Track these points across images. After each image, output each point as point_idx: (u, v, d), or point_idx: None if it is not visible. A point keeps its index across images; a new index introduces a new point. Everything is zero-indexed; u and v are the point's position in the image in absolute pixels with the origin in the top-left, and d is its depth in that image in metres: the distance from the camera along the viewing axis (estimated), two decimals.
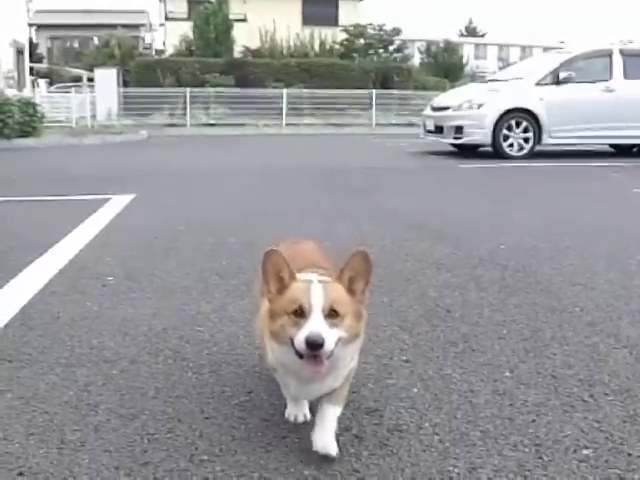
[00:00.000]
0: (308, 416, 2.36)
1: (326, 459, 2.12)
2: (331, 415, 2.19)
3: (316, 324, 1.95)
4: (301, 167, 11.32)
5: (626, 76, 13.25)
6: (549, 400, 2.60)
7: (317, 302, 1.98)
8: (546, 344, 3.20)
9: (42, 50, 45.67)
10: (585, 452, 2.22)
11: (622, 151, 14.53)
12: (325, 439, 2.15)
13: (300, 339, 1.94)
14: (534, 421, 2.42)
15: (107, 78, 25.82)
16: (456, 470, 2.10)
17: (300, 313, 1.99)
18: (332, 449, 2.14)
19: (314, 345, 1.92)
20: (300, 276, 2.12)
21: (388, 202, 7.55)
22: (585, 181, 10.07)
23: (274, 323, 2.05)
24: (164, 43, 41.46)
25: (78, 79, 31.71)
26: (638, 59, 13.62)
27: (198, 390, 2.65)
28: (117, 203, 7.22)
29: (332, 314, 1.99)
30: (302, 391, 2.20)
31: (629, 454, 2.21)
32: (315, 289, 2.02)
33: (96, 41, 41.15)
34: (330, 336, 1.95)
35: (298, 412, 2.38)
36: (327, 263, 2.49)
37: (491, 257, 4.85)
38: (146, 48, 44.38)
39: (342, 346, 2.01)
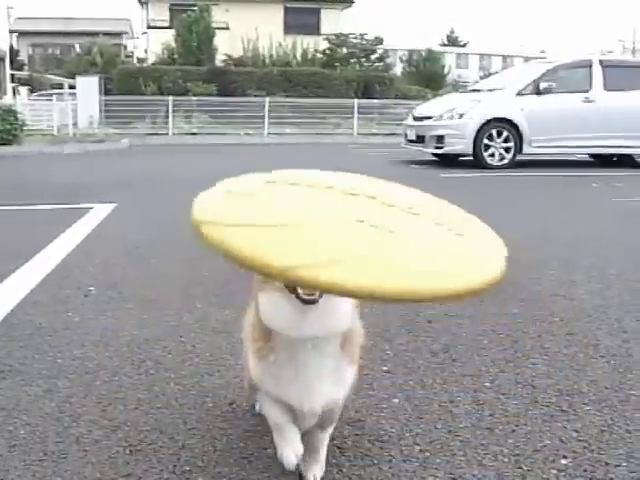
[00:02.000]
0: (300, 452, 1.93)
1: None
2: (322, 442, 2.07)
3: None
4: None
5: (606, 87, 13.39)
6: (528, 410, 2.63)
7: None
8: (526, 354, 3.24)
9: (23, 57, 45.53)
10: (563, 461, 2.25)
11: (602, 161, 14.65)
12: (316, 469, 2.08)
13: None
14: (513, 431, 2.45)
15: (89, 86, 25.76)
16: None
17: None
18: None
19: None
20: None
21: None
22: (565, 191, 10.15)
23: (267, 292, 1.75)
24: (146, 51, 41.40)
25: (59, 87, 31.60)
26: (617, 70, 13.78)
27: (180, 401, 2.66)
28: (99, 212, 7.21)
29: None
30: (301, 397, 1.83)
31: (607, 463, 2.24)
32: None
33: (78, 49, 41.06)
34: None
35: (290, 450, 1.92)
36: None
37: None
38: (128, 56, 44.31)
39: None
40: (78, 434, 2.38)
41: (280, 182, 1.58)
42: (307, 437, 1.98)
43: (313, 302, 1.62)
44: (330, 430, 2.04)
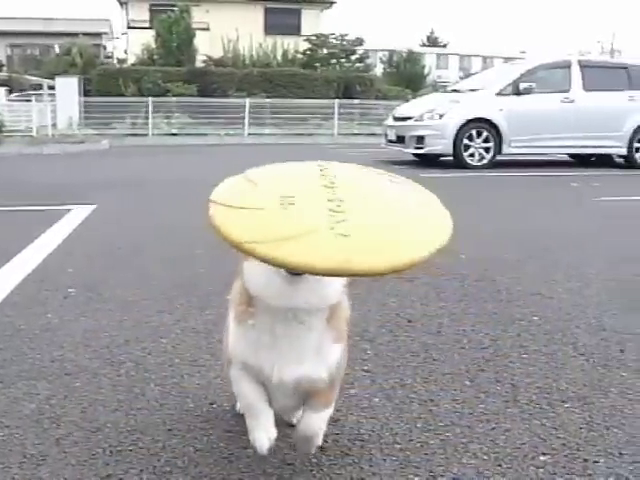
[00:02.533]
0: (274, 436, 1.93)
1: (288, 469, 2.15)
2: (315, 424, 1.95)
3: None
4: None
5: (584, 87, 13.49)
6: (508, 408, 2.65)
7: None
8: (505, 353, 3.26)
9: (2, 58, 45.16)
10: (542, 458, 2.27)
11: (581, 161, 14.75)
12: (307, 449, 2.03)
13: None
14: (493, 429, 2.47)
15: (68, 87, 25.61)
16: (416, 478, 2.13)
17: None
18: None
19: None
20: None
21: None
22: (545, 190, 10.21)
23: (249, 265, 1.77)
24: (126, 52, 41.20)
25: (39, 87, 31.39)
26: (596, 70, 13.89)
27: (161, 402, 2.65)
28: (78, 214, 7.18)
29: None
30: (273, 366, 1.81)
31: (585, 460, 2.26)
32: None
33: (57, 49, 40.80)
34: None
35: (262, 434, 1.92)
36: None
37: (451, 267, 4.90)
38: (108, 57, 44.09)
39: None
40: (58, 436, 2.37)
41: (281, 174, 1.69)
42: (301, 421, 1.96)
43: (298, 274, 1.62)
44: (325, 414, 1.96)
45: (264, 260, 1.41)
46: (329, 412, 1.97)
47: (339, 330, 1.87)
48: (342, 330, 1.89)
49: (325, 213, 1.42)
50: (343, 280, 1.79)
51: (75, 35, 39.05)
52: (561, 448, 2.34)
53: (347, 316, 1.94)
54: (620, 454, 2.30)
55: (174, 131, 24.41)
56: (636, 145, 13.94)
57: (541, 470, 2.20)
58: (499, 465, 2.23)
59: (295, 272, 1.61)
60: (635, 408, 2.66)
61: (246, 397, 1.91)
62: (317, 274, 1.44)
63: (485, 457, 2.27)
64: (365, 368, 3.02)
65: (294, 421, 2.26)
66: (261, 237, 1.33)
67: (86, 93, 27.10)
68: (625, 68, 14.25)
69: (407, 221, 1.49)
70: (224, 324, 2.02)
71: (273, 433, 1.90)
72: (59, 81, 26.38)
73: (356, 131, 25.93)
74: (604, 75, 13.90)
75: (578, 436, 2.43)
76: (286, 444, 2.28)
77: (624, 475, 2.17)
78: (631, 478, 2.16)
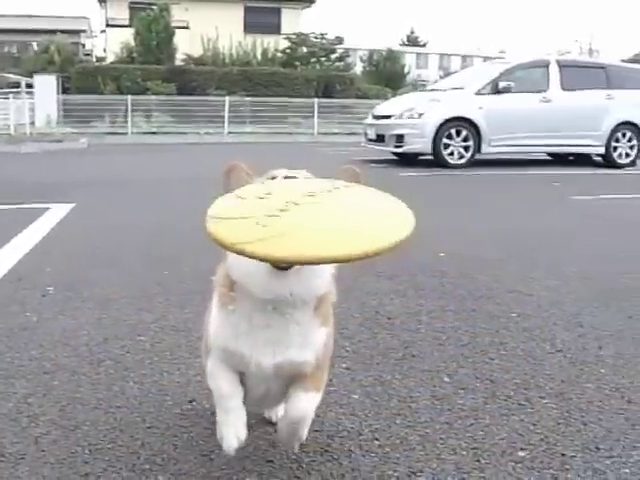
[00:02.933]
0: (243, 437, 1.85)
1: (268, 466, 2.15)
2: (304, 403, 1.84)
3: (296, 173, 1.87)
4: None
5: (563, 87, 13.58)
6: (486, 404, 2.66)
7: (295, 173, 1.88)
8: (484, 349, 3.28)
9: None
10: (521, 454, 2.29)
11: (560, 160, 14.85)
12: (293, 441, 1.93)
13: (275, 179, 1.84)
14: (472, 425, 2.48)
15: (46, 84, 25.47)
16: (396, 474, 2.14)
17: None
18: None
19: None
20: None
21: None
22: (524, 189, 10.27)
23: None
24: (105, 50, 41.00)
25: (16, 85, 31.17)
26: (574, 70, 13.99)
27: (140, 400, 2.65)
28: (57, 212, 7.13)
29: None
30: (257, 354, 1.77)
31: (563, 454, 2.28)
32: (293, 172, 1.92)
33: (35, 47, 40.51)
34: None
35: (231, 432, 1.84)
36: None
37: (431, 265, 4.92)
38: (87, 54, 43.81)
39: None
40: (36, 434, 2.36)
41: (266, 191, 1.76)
42: (290, 402, 1.86)
43: (285, 268, 1.65)
44: (314, 399, 1.86)
45: (253, 257, 1.47)
46: (318, 398, 1.89)
47: (325, 315, 1.87)
48: (328, 314, 1.90)
49: (303, 213, 1.57)
50: (332, 269, 1.83)
51: (53, 33, 38.76)
52: (539, 443, 2.36)
53: (334, 300, 1.95)
54: (597, 448, 2.33)
55: (153, 130, 24.34)
56: (614, 144, 14.06)
57: (519, 465, 2.21)
58: (478, 460, 2.24)
59: (281, 267, 1.64)
60: (612, 403, 2.68)
61: (220, 390, 1.84)
62: (301, 263, 1.55)
63: (464, 453, 2.29)
64: (344, 365, 3.03)
65: (274, 418, 2.26)
66: (248, 238, 1.47)
67: (65, 91, 26.98)
68: (603, 68, 14.37)
69: (375, 216, 1.64)
70: (207, 311, 1.99)
71: (243, 434, 1.83)
72: (37, 79, 26.23)
73: (336, 130, 25.95)
74: (582, 75, 13.99)
75: (556, 431, 2.45)
76: (265, 441, 2.29)
77: (601, 469, 2.19)
78: (608, 472, 2.18)
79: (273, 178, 1.85)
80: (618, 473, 2.18)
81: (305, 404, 1.83)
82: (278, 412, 2.19)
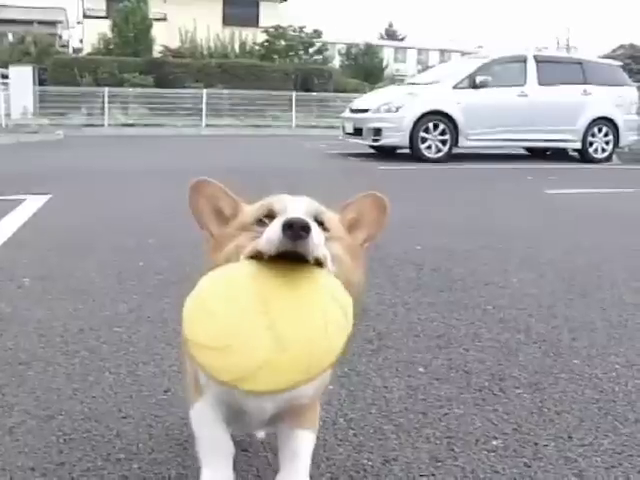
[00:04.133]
0: None
1: (243, 455, 2.15)
2: (305, 443, 1.66)
3: (296, 213, 1.43)
4: (219, 168, 11.26)
5: (540, 82, 13.65)
6: (461, 394, 2.69)
7: (296, 206, 1.49)
8: (459, 341, 3.30)
9: None
10: (494, 443, 2.31)
11: (537, 154, 14.93)
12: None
13: (274, 226, 1.38)
14: (446, 414, 2.50)
15: (22, 76, 25.21)
16: (370, 463, 2.16)
17: (268, 217, 1.48)
18: None
19: (296, 226, 1.34)
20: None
21: None
22: (500, 183, 10.32)
23: (222, 251, 1.51)
24: (82, 41, 40.71)
25: None
26: (551, 65, 14.08)
27: (115, 390, 2.64)
28: (32, 204, 7.08)
29: (318, 223, 1.47)
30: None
31: (536, 444, 2.31)
32: (293, 198, 1.54)
33: (10, 37, 40.12)
34: (318, 232, 1.40)
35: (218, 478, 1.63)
36: None
37: (407, 257, 4.94)
38: (63, 46, 43.49)
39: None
40: (11, 424, 2.35)
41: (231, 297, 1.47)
42: (285, 441, 1.70)
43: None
44: (311, 434, 1.70)
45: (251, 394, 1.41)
46: (314, 438, 1.71)
47: None
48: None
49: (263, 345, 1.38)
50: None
51: (29, 23, 38.45)
52: (512, 432, 2.38)
53: None
54: (570, 437, 2.35)
55: (131, 122, 24.18)
56: (590, 139, 14.16)
57: (492, 454, 2.24)
58: (452, 449, 2.26)
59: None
60: (585, 393, 2.71)
61: (212, 441, 1.66)
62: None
63: (438, 442, 2.30)
64: None
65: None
66: (239, 375, 1.35)
67: (41, 82, 26.73)
68: (580, 63, 14.47)
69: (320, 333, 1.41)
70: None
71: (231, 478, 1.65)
72: (13, 70, 25.94)
73: (314, 123, 25.93)
74: (559, 70, 14.08)
75: (529, 421, 2.47)
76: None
77: (573, 457, 2.22)
78: (580, 460, 2.20)
79: (269, 212, 1.51)
80: (590, 461, 2.21)
81: (306, 442, 1.68)
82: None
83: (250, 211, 1.55)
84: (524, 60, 13.83)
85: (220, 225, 1.58)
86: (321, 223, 1.48)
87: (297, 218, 1.34)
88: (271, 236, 1.35)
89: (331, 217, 1.56)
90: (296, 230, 1.32)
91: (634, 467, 2.18)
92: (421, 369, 2.92)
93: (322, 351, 1.36)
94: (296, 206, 1.48)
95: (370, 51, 42.64)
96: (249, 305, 1.37)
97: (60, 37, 45.85)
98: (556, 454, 2.24)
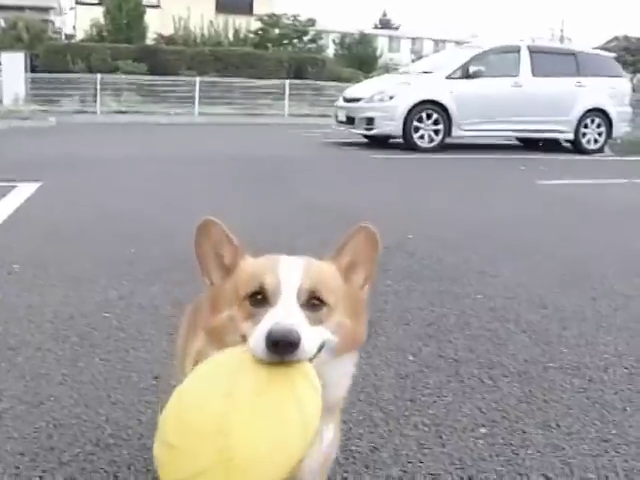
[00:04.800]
0: None
1: None
2: None
3: (286, 313, 1.27)
4: (212, 156, 11.26)
5: (533, 72, 13.64)
6: (450, 382, 2.70)
7: (289, 281, 1.32)
8: (449, 329, 3.31)
9: None
10: (482, 430, 2.32)
11: (529, 145, 14.93)
12: None
13: (259, 335, 1.23)
14: (435, 402, 2.52)
15: (14, 62, 25.06)
16: (358, 449, 2.17)
17: (260, 299, 1.32)
18: None
19: (282, 343, 1.20)
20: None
21: (300, 191, 7.59)
22: (493, 173, 10.33)
23: (216, 316, 1.39)
24: (74, 27, 40.51)
25: None
26: (545, 56, 14.05)
27: (105, 376, 2.65)
28: (23, 191, 7.05)
29: (314, 303, 1.33)
30: None
31: (524, 431, 2.32)
32: (286, 264, 1.37)
33: (2, 23, 39.89)
34: (309, 335, 1.25)
35: None
36: None
37: (399, 246, 4.95)
38: (56, 32, 43.24)
39: (328, 359, 1.36)
40: (0, 410, 2.35)
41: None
42: None
43: None
44: None
45: None
46: None
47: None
48: (348, 375, 1.52)
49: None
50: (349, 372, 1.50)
51: (21, 9, 38.22)
52: (501, 420, 2.40)
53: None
54: (557, 425, 2.37)
55: (123, 109, 24.07)
56: (583, 130, 14.16)
57: (480, 441, 2.25)
58: (440, 437, 2.27)
59: None
60: (573, 382, 2.73)
61: None
62: None
63: (426, 429, 2.32)
64: None
65: None
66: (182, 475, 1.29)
67: (33, 69, 26.59)
68: (573, 54, 14.45)
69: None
70: None
71: None
72: (5, 56, 25.79)
73: (307, 112, 25.87)
74: (553, 61, 14.06)
75: (517, 409, 2.49)
76: None
77: (560, 445, 2.24)
78: (567, 448, 2.22)
79: (261, 289, 1.35)
80: (577, 449, 2.22)
81: None
82: None
83: (244, 277, 1.38)
84: (518, 50, 13.81)
85: (220, 273, 1.45)
86: (318, 299, 1.34)
87: (283, 334, 1.21)
88: (257, 347, 1.23)
89: (328, 278, 1.41)
90: (282, 347, 1.21)
91: (621, 455, 2.20)
92: (411, 357, 2.93)
93: (269, 466, 1.27)
94: (289, 285, 1.31)
95: (364, 40, 42.54)
96: (213, 404, 1.28)
97: (52, 23, 45.60)
98: (543, 442, 2.26)
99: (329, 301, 1.34)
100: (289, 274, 1.33)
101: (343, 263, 1.47)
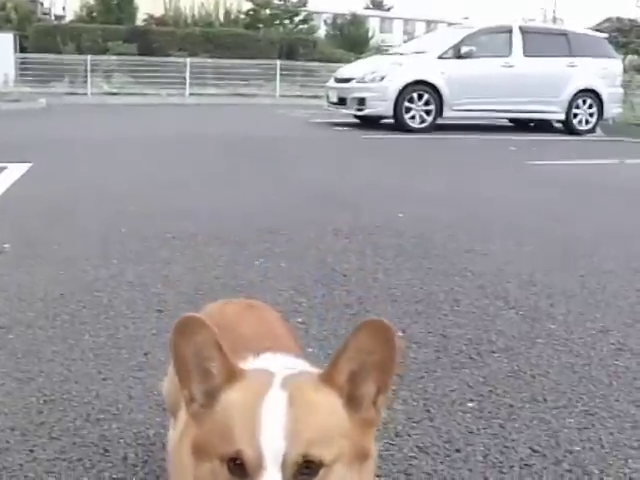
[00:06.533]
0: None
1: None
2: None
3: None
4: (204, 136, 11.23)
5: (525, 53, 13.62)
6: (439, 358, 2.72)
7: (272, 447, 1.02)
8: (438, 306, 3.33)
9: None
10: (470, 404, 2.34)
11: (521, 125, 14.93)
12: None
13: None
14: (423, 377, 2.54)
15: (3, 43, 24.87)
16: None
17: (239, 468, 1.03)
18: None
19: None
20: (247, 368, 1.16)
21: (292, 171, 7.59)
22: (483, 153, 10.34)
23: (199, 465, 1.10)
24: (64, 8, 40.21)
25: None
26: (537, 36, 14.02)
27: (95, 352, 2.66)
28: (13, 172, 7.02)
29: (306, 472, 1.02)
30: None
31: (511, 405, 2.35)
32: (271, 412, 1.04)
33: None
34: None
35: None
36: (292, 343, 1.56)
37: (389, 224, 4.96)
38: (45, 13, 42.91)
39: None
40: None
41: None
42: None
43: None
44: None
45: None
46: None
47: None
48: None
49: None
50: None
51: None
52: (488, 395, 2.42)
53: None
54: (544, 400, 2.39)
55: (114, 90, 23.95)
56: (574, 111, 14.15)
57: (468, 415, 2.27)
58: (428, 410, 2.29)
59: None
60: (561, 358, 2.75)
61: None
62: None
63: (414, 403, 2.34)
64: (299, 320, 3.06)
65: None
66: None
67: (22, 50, 26.42)
68: (565, 35, 14.43)
69: None
70: None
71: None
72: None
73: (298, 93, 25.79)
74: (544, 41, 14.03)
75: (505, 384, 2.51)
76: None
77: (547, 419, 2.26)
78: (553, 422, 2.24)
79: (238, 456, 1.03)
80: (563, 422, 2.25)
81: None
82: None
83: (220, 426, 1.07)
84: (509, 31, 13.78)
85: (203, 387, 1.13)
86: (311, 462, 1.02)
87: None
88: None
89: (325, 425, 1.06)
90: None
91: (606, 428, 2.22)
92: (400, 333, 2.94)
93: None
94: (273, 457, 1.01)
95: (356, 21, 42.33)
96: None
97: (42, 4, 45.21)
98: (530, 415, 2.28)
99: (326, 460, 1.03)
100: (272, 436, 1.02)
101: (342, 377, 1.11)
